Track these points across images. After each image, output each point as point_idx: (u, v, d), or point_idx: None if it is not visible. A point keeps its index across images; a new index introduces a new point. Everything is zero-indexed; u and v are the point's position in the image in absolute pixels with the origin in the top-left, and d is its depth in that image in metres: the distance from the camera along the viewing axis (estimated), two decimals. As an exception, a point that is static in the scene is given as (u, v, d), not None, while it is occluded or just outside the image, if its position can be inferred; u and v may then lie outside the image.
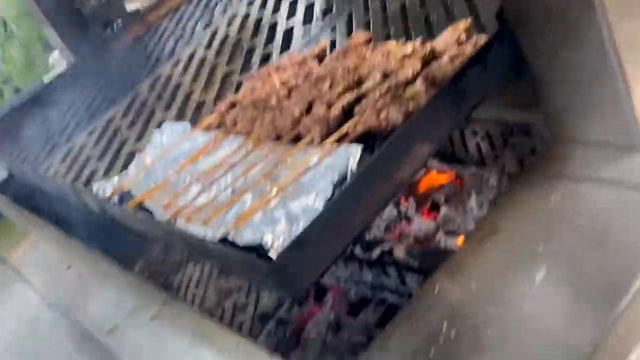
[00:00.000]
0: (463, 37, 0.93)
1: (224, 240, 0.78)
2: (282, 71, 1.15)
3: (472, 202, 1.12)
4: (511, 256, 0.75)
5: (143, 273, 1.53)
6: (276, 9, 1.53)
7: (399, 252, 1.16)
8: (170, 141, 1.14)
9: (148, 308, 0.98)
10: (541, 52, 0.81)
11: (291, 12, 1.45)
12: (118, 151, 1.30)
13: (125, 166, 1.22)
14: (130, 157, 1.24)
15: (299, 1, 1.49)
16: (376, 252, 1.21)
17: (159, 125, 1.28)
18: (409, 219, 1.23)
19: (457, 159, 1.22)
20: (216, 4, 1.96)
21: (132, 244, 1.41)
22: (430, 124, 0.78)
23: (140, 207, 0.96)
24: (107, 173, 1.24)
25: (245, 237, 0.76)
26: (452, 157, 1.23)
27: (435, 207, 1.21)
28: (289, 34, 1.38)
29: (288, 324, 1.54)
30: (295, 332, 1.53)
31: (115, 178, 1.11)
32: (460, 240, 1.08)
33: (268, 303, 1.58)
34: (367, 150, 0.81)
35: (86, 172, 1.28)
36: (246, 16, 1.62)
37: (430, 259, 1.09)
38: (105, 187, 1.08)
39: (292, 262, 0.69)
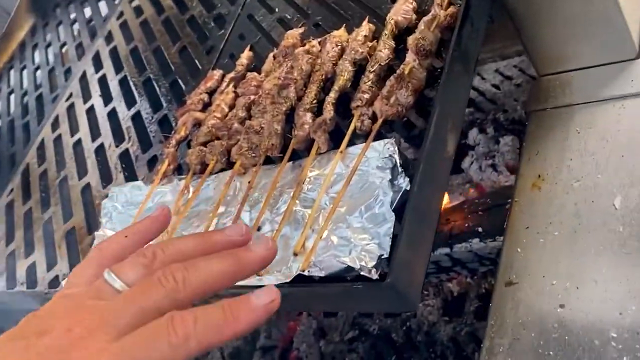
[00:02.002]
0: (414, 4, 0.91)
1: (298, 278, 0.71)
2: (219, 94, 1.06)
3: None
4: (576, 196, 0.75)
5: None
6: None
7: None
8: (128, 205, 1.01)
9: None
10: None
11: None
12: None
13: (73, 254, 1.08)
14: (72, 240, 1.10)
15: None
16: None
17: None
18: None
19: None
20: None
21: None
22: (452, 93, 0.76)
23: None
24: (50, 268, 1.09)
25: (325, 267, 0.70)
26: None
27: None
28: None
29: (274, 349, 1.46)
30: (283, 354, 1.46)
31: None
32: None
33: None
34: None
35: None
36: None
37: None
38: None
39: (401, 275, 0.64)
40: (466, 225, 1.17)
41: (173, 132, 1.09)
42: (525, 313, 0.69)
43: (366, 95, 0.83)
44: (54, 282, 1.05)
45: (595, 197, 0.73)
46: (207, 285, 0.47)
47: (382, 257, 0.67)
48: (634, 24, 0.81)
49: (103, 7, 1.72)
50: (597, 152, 0.77)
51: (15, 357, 0.41)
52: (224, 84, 1.07)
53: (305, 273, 0.70)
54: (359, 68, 0.91)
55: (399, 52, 0.88)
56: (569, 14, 0.80)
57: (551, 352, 0.65)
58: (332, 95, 0.88)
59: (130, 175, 1.12)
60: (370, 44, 0.91)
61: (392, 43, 0.88)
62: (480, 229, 1.15)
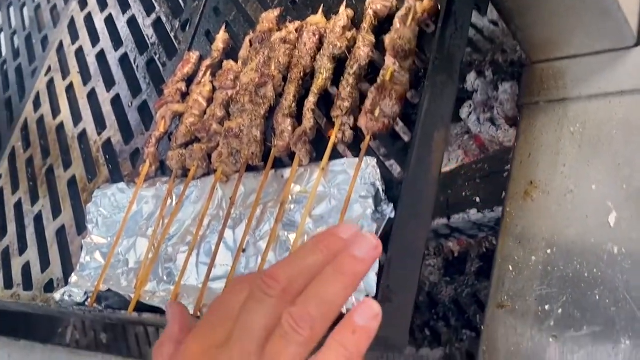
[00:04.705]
0: (394, -13, 0.84)
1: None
2: (196, 85, 1.01)
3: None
4: (570, 209, 0.72)
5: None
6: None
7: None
8: (113, 210, 0.99)
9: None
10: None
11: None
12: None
13: (65, 256, 1.07)
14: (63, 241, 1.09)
15: None
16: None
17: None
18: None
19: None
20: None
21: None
22: (437, 107, 0.71)
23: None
24: (44, 270, 1.08)
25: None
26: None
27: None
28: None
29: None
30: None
31: (74, 278, 0.96)
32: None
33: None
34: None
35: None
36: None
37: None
38: (70, 293, 0.93)
39: (386, 326, 0.62)
40: (463, 194, 1.14)
41: (153, 125, 1.05)
42: (517, 342, 0.68)
43: (346, 103, 0.78)
44: (49, 287, 1.05)
45: (589, 212, 0.70)
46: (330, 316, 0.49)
47: (369, 297, 0.65)
48: (631, 8, 0.74)
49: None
50: (592, 158, 0.73)
51: None
52: (201, 73, 1.02)
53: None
54: (339, 63, 0.85)
55: (380, 44, 0.82)
56: (561, 4, 0.74)
57: (543, 387, 0.64)
58: (311, 100, 0.83)
59: (114, 169, 1.09)
60: (349, 34, 0.85)
61: (372, 38, 0.82)
62: (477, 199, 1.11)
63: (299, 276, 0.50)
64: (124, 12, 1.31)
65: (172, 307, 0.62)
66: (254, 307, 0.49)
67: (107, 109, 1.19)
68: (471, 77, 1.45)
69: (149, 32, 1.22)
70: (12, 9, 1.77)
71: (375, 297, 0.64)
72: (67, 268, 1.04)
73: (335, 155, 0.79)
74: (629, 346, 0.62)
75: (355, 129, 0.78)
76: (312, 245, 0.52)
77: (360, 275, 0.51)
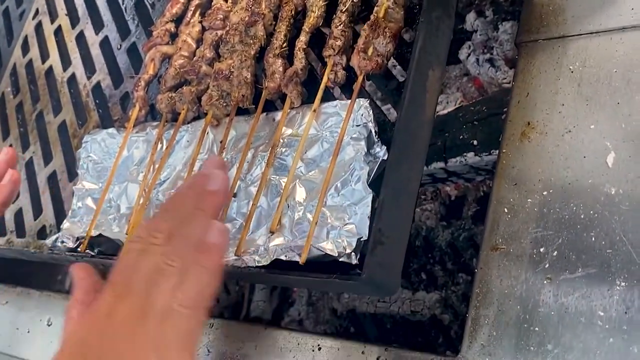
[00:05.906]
0: None
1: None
2: (185, 25, 0.98)
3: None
4: (567, 149, 0.70)
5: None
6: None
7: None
8: (103, 155, 0.97)
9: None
10: None
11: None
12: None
13: (57, 203, 1.06)
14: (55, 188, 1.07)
15: None
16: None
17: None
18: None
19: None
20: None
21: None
22: (431, 45, 0.69)
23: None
24: (37, 217, 1.07)
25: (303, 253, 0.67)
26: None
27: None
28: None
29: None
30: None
31: (66, 224, 0.95)
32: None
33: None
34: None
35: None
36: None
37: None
38: (62, 239, 0.92)
39: (377, 268, 0.61)
40: (461, 137, 1.12)
41: (142, 67, 1.02)
42: (510, 284, 0.67)
43: (338, 42, 0.76)
44: (42, 233, 1.04)
45: (587, 152, 0.68)
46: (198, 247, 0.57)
47: (361, 239, 0.64)
48: (637, -61, 0.71)
49: None
50: (591, 96, 0.71)
51: None
52: (190, 13, 0.98)
53: (284, 258, 0.67)
54: (331, 0, 0.82)
55: (375, -20, 0.79)
56: None
57: (537, 328, 0.64)
58: (302, 39, 0.80)
59: (104, 114, 1.07)
60: (342, -31, 0.82)
61: (365, -27, 0.79)
62: (475, 142, 1.09)
63: (176, 221, 0.58)
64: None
65: (76, 270, 0.66)
66: (146, 259, 0.55)
67: (95, 52, 1.16)
68: (470, 17, 1.41)
69: (137, -30, 1.18)
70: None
71: (367, 240, 0.63)
72: (60, 214, 1.03)
73: (328, 97, 0.77)
74: (624, 288, 0.61)
75: (348, 69, 0.76)
76: (184, 189, 0.63)
77: (216, 205, 0.61)
